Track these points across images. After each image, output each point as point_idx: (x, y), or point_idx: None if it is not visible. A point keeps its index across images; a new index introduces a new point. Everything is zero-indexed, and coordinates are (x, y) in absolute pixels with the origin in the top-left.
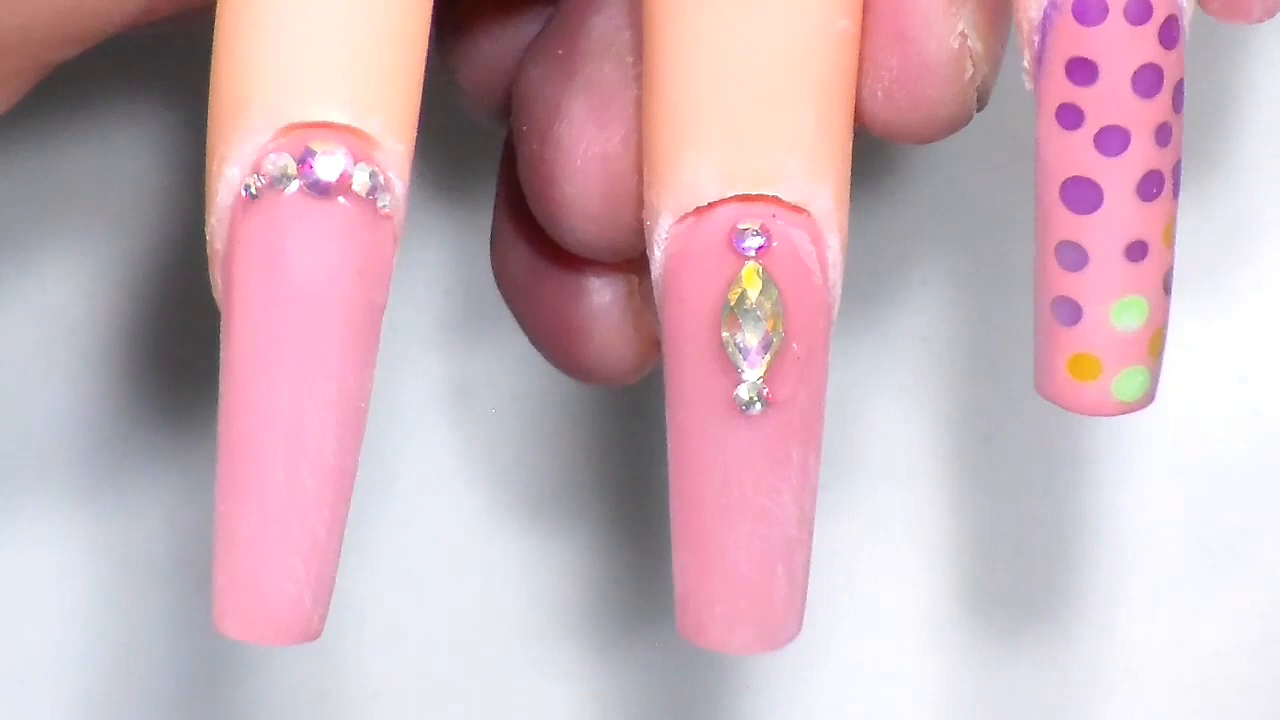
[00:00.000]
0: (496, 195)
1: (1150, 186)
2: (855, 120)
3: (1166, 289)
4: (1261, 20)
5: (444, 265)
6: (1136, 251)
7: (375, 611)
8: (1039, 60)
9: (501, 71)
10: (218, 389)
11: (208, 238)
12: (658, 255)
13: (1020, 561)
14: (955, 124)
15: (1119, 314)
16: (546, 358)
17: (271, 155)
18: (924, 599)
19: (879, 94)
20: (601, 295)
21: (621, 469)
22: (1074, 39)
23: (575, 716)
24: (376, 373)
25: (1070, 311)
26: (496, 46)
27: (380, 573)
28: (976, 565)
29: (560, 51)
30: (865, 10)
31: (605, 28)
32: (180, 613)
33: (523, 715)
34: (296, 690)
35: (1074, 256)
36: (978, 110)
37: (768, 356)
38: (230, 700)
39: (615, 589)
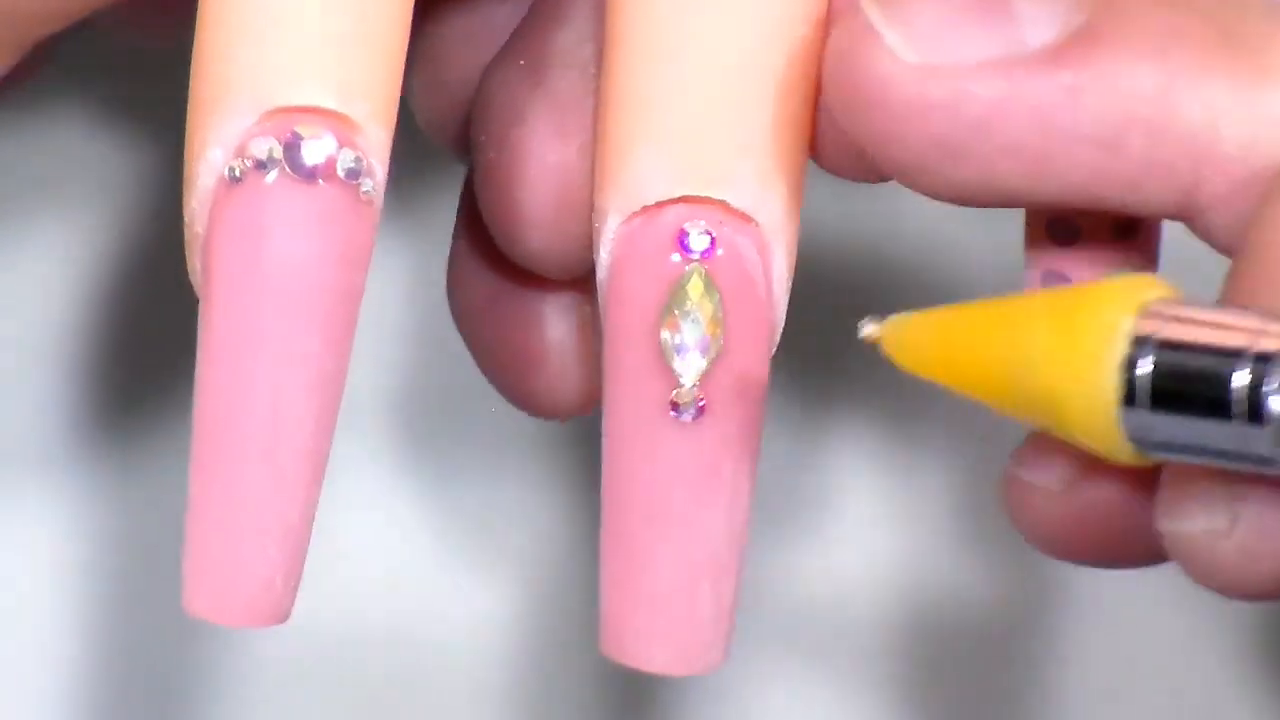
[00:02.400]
0: (455, 226)
1: None
2: (811, 152)
3: (1153, 263)
4: None
5: (436, 264)
6: (1126, 229)
7: (375, 611)
8: None
9: (460, 101)
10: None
11: (186, 220)
12: (603, 258)
13: (1019, 561)
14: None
15: None
16: (497, 388)
17: (257, 138)
18: (922, 599)
19: (827, 132)
20: (556, 328)
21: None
22: None
23: (574, 717)
24: (372, 374)
25: (1060, 285)
26: (462, 71)
27: (380, 572)
28: (975, 564)
29: (522, 62)
30: (827, 29)
31: (568, 41)
32: (178, 609)
33: (522, 715)
34: (296, 690)
35: (1064, 232)
36: None
37: (704, 362)
38: (230, 700)
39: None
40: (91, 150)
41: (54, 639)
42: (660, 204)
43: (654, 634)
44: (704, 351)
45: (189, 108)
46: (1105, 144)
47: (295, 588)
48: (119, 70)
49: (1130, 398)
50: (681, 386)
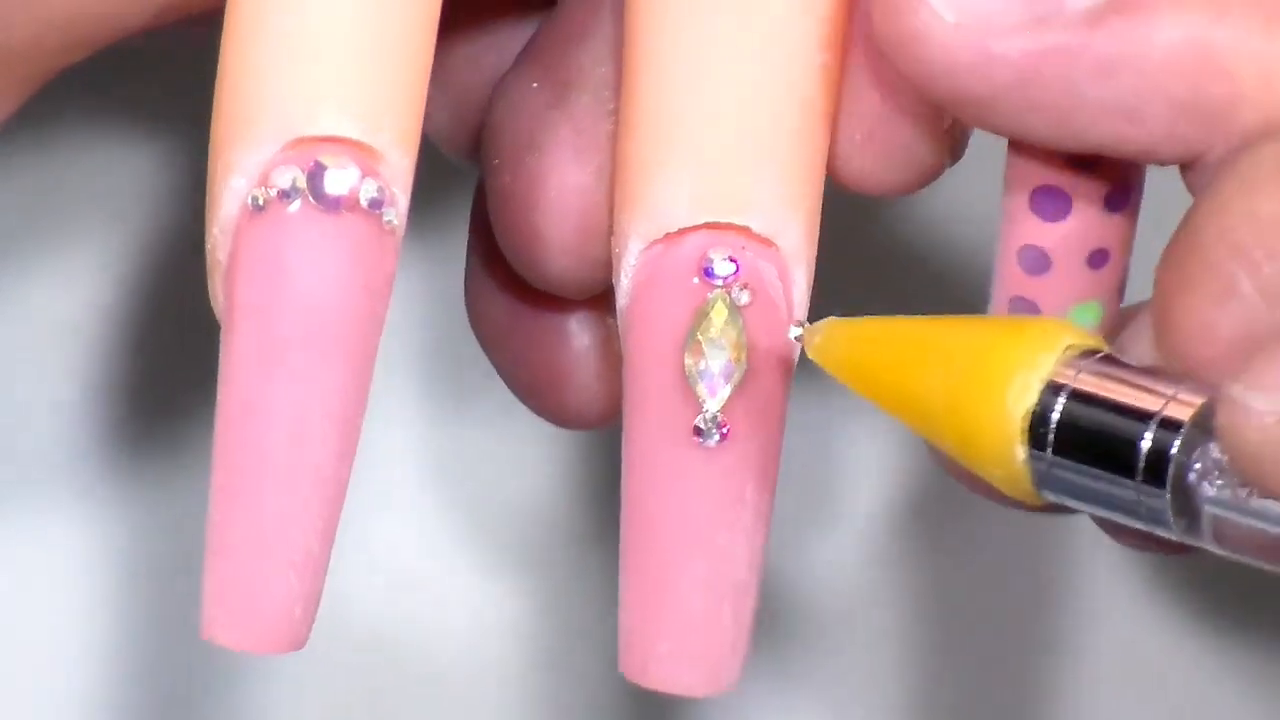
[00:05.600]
0: (469, 242)
1: (1118, 200)
2: (830, 171)
3: (1121, 293)
4: None
5: (442, 284)
6: (1098, 259)
7: (376, 614)
8: None
9: (474, 107)
10: (216, 391)
11: (208, 247)
12: (624, 283)
13: (1020, 563)
14: (928, 174)
15: (1077, 316)
16: (524, 402)
17: (280, 167)
18: (923, 603)
19: (856, 138)
20: (580, 340)
21: (619, 486)
22: None
23: (572, 718)
24: (390, 378)
25: (1027, 311)
26: (469, 80)
27: (382, 576)
28: (976, 567)
29: (535, 84)
30: (846, 54)
31: (583, 61)
32: (179, 613)
33: (521, 716)
34: (295, 691)
35: (1037, 261)
36: (951, 162)
37: (729, 387)
38: (229, 701)
39: (613, 598)
40: (115, 160)
41: (75, 658)
42: (683, 231)
43: (677, 658)
44: (728, 378)
45: (212, 135)
46: (1128, 115)
47: (314, 614)
48: (134, 76)
49: (1039, 444)
50: (705, 412)
